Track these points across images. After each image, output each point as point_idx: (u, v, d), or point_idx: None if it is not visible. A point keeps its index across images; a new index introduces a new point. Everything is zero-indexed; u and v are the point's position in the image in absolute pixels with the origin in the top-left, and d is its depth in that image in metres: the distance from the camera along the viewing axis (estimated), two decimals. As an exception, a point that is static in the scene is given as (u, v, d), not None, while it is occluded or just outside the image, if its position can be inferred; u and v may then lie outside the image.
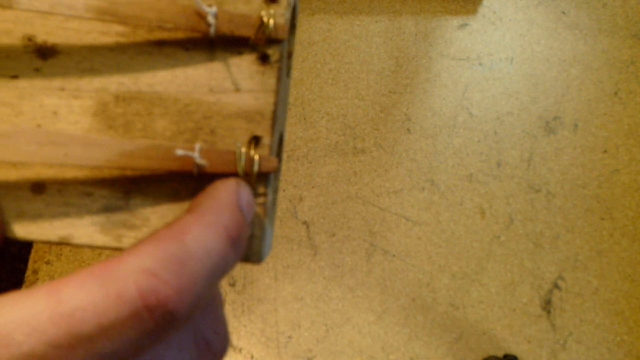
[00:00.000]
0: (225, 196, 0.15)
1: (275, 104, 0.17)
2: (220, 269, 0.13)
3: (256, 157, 0.16)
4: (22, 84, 0.16)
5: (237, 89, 0.17)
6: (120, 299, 0.11)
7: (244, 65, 0.17)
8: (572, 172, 1.09)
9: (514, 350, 0.97)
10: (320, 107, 1.18)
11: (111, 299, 0.11)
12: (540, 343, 0.98)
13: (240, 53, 0.17)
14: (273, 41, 0.16)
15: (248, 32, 0.16)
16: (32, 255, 1.10)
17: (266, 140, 0.17)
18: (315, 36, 1.24)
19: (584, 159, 1.10)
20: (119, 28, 0.16)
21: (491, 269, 1.03)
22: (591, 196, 1.07)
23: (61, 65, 0.17)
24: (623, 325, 0.98)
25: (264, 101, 0.17)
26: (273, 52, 0.17)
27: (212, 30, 0.16)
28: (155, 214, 0.17)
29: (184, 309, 0.12)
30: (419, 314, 1.01)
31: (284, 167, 1.12)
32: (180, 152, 0.16)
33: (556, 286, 1.01)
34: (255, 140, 0.17)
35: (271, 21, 0.16)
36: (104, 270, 0.12)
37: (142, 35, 0.17)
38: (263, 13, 0.16)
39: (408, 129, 1.15)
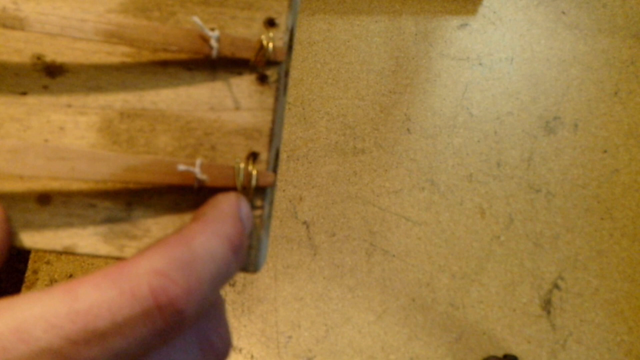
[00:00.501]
0: (228, 207, 0.16)
1: (273, 122, 0.17)
2: (224, 274, 0.14)
3: (254, 172, 0.17)
4: (31, 100, 0.17)
5: (237, 108, 0.17)
6: (134, 297, 0.12)
7: (243, 85, 0.17)
8: (572, 172, 1.10)
9: (514, 350, 0.98)
10: (320, 107, 1.18)
11: (125, 297, 0.12)
12: (540, 343, 0.98)
13: (240, 74, 0.17)
14: (272, 63, 0.17)
15: (248, 54, 0.17)
16: (32, 255, 1.10)
17: (264, 156, 0.18)
18: (315, 36, 1.24)
19: (584, 159, 1.10)
20: (125, 49, 0.17)
21: (491, 269, 1.03)
22: (591, 196, 1.08)
23: (68, 83, 0.17)
24: (623, 325, 0.98)
25: (262, 119, 0.17)
26: (271, 73, 0.17)
27: (214, 52, 0.16)
28: (156, 225, 0.18)
29: (191, 308, 0.13)
30: (419, 314, 1.01)
31: (284, 167, 1.13)
32: (182, 167, 0.16)
33: (556, 286, 1.02)
34: (254, 156, 0.17)
35: (270, 44, 0.17)
36: (118, 271, 0.12)
37: (146, 55, 0.17)
38: (263, 37, 0.17)
39: (408, 129, 1.15)
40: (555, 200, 1.08)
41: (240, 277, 1.06)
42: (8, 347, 0.11)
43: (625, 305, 0.99)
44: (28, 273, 1.09)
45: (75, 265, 1.09)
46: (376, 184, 1.11)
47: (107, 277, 0.12)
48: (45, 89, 0.17)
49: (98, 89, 0.17)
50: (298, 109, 1.18)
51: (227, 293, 1.04)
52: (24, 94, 0.17)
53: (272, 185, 0.18)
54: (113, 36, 0.16)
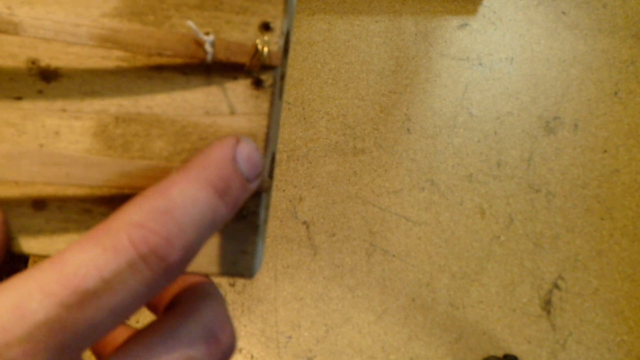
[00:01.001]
0: (218, 151, 0.15)
1: (268, 127, 0.17)
2: (209, 219, 0.14)
3: (265, 50, 0.16)
4: (26, 105, 0.17)
5: (232, 112, 0.17)
6: (116, 251, 0.12)
7: (239, 89, 0.17)
8: (572, 172, 1.10)
9: (514, 350, 0.98)
10: (320, 107, 1.18)
11: (108, 253, 0.12)
12: (540, 343, 0.98)
13: (235, 78, 0.17)
14: (267, 67, 0.17)
15: (243, 58, 0.17)
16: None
17: None
18: (315, 36, 1.24)
19: (584, 159, 1.10)
20: (120, 53, 0.17)
21: (491, 269, 1.03)
22: (591, 196, 1.07)
23: (63, 88, 0.17)
24: (623, 325, 0.98)
25: (258, 124, 0.17)
26: (267, 78, 0.17)
27: (209, 57, 0.16)
28: None
29: (175, 255, 0.13)
30: (419, 314, 1.01)
31: (284, 167, 1.13)
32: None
33: (556, 286, 1.02)
34: None
35: (265, 49, 0.17)
36: (99, 230, 0.13)
37: (141, 60, 0.17)
38: (258, 41, 0.17)
39: (408, 129, 1.15)
40: (555, 200, 1.07)
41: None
42: (7, 327, 0.11)
43: (625, 305, 0.99)
44: (28, 273, 1.09)
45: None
46: (376, 184, 1.11)
47: (90, 237, 0.12)
48: (40, 93, 0.17)
49: (93, 93, 0.17)
50: (298, 109, 1.18)
51: (227, 293, 1.05)
52: (18, 98, 0.17)
53: (268, 190, 0.18)
54: (107, 41, 0.16)
